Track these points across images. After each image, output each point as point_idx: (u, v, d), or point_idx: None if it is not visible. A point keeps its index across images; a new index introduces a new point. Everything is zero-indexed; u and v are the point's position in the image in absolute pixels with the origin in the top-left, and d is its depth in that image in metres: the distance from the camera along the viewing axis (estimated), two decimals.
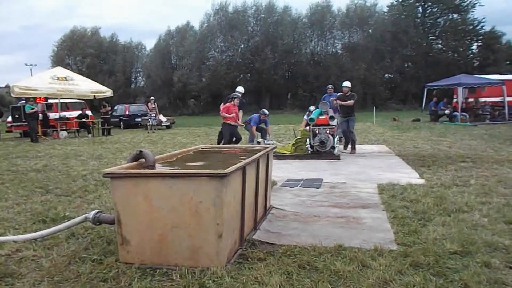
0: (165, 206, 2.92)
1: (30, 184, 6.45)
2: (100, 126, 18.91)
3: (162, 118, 21.41)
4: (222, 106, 10.36)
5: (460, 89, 18.86)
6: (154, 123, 19.82)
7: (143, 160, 3.41)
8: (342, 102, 9.57)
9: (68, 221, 3.69)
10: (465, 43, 39.75)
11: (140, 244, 2.99)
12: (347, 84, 9.83)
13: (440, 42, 40.75)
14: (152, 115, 19.89)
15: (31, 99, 16.39)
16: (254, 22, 43.95)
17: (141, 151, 3.43)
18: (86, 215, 3.46)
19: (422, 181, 5.92)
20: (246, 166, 3.34)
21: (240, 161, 3.32)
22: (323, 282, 2.63)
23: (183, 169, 3.27)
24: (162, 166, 3.53)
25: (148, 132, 18.78)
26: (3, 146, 13.91)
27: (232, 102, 9.95)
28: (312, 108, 10.23)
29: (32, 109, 15.68)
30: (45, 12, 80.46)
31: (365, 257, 3.02)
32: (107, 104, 19.89)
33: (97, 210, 3.46)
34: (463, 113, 18.25)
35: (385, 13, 42.73)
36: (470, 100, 19.78)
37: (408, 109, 34.56)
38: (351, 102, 9.52)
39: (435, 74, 32.99)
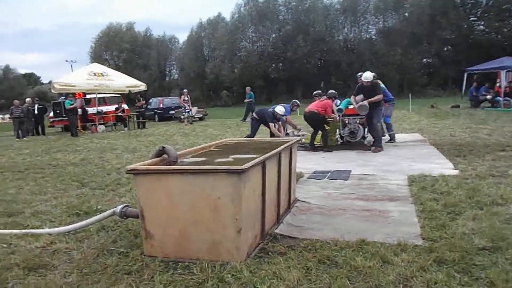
0: (185, 202, 2.98)
1: (68, 178, 6.77)
2: (135, 119, 19.47)
3: (192, 111, 21.56)
4: (321, 103, 8.76)
5: (503, 73, 17.88)
6: (188, 115, 20.08)
7: (166, 155, 3.50)
8: (368, 100, 7.97)
9: (98, 214, 3.86)
10: (510, 23, 37.38)
11: (163, 238, 3.08)
12: (367, 76, 8.06)
13: (482, 23, 38.52)
14: (186, 107, 20.21)
15: (70, 95, 17.13)
16: (285, 10, 43.43)
17: (163, 147, 3.51)
18: (114, 209, 3.60)
19: (456, 172, 5.69)
20: (266, 161, 3.35)
21: (261, 156, 3.33)
22: (341, 278, 2.61)
23: (203, 165, 3.31)
24: (184, 161, 3.59)
25: (186, 124, 19.05)
26: (45, 140, 14.66)
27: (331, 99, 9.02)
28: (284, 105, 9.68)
29: (71, 104, 16.39)
30: (79, 9, 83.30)
31: (388, 253, 2.96)
32: (141, 98, 20.43)
33: (124, 205, 3.59)
34: (507, 98, 17.31)
35: None
36: None
37: (448, 95, 33.09)
38: (378, 97, 8.03)
39: (476, 57, 31.29)
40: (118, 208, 3.54)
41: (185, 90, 21.68)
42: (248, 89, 20.92)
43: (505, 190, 4.52)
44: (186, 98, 20.39)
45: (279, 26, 42.93)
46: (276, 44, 42.26)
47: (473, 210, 3.88)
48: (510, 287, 2.40)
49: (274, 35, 43.19)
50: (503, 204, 4.03)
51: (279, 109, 9.22)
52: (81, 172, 7.30)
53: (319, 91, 10.37)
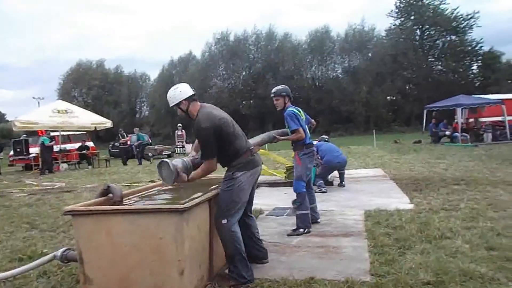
0: (127, 243, 2.88)
1: (18, 220, 6.43)
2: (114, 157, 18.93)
3: (187, 148, 19.19)
4: None
5: (459, 110, 18.80)
6: (181, 152, 18.79)
7: (111, 195, 3.40)
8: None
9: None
10: (465, 64, 40.03)
11: (103, 282, 2.94)
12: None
13: (440, 63, 41.08)
14: (179, 143, 18.97)
15: (49, 132, 16.58)
16: (255, 49, 44.85)
17: (108, 186, 3.43)
18: (54, 253, 3.43)
19: (411, 206, 5.81)
20: (213, 199, 3.31)
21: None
22: None
23: (146, 205, 3.24)
24: (130, 201, 3.50)
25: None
26: (1, 180, 14.01)
27: None
28: None
29: (51, 141, 15.96)
30: (55, 46, 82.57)
31: None
32: (125, 135, 19.67)
33: (65, 248, 3.43)
34: (464, 134, 18.12)
35: (384, 37, 43.37)
36: (471, 120, 19.69)
37: (412, 130, 34.40)
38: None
39: (437, 94, 33.01)
40: (59, 252, 3.38)
41: (179, 124, 19.93)
42: (136, 129, 19.31)
43: (454, 223, 4.63)
44: (180, 133, 19.05)
45: (249, 64, 44.11)
46: (246, 81, 43.26)
47: (422, 244, 3.94)
48: None
49: (244, 72, 44.29)
50: (451, 238, 4.10)
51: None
52: (34, 213, 6.96)
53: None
